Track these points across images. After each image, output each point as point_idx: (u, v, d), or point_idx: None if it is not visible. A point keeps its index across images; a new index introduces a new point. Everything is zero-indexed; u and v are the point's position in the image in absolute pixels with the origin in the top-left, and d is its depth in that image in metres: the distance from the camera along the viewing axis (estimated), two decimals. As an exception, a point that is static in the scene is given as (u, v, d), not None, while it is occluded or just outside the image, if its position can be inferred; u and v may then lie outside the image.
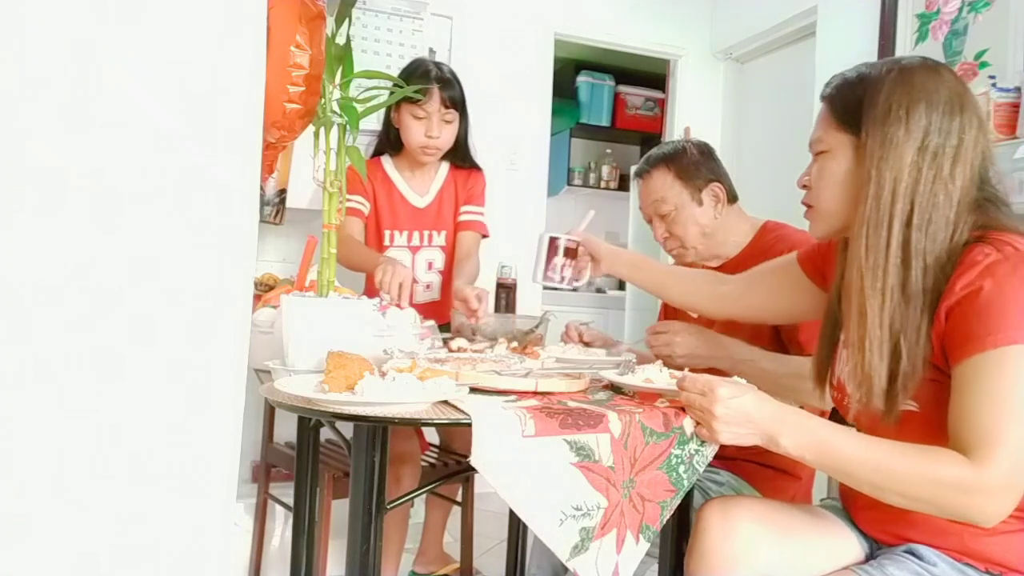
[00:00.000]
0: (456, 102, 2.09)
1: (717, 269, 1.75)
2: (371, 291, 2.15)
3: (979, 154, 1.04)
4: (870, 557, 1.15)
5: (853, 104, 1.08)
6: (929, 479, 0.95)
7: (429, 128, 2.07)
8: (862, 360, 1.04)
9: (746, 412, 1.03)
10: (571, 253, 1.63)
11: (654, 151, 1.79)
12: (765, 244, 1.69)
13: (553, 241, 1.64)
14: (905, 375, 1.02)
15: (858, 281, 1.04)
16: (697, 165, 1.72)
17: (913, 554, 1.07)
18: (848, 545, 1.16)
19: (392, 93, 1.74)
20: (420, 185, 2.20)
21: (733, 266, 1.72)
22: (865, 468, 0.99)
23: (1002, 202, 1.06)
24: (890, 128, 1.03)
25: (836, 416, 1.49)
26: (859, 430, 1.16)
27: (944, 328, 1.00)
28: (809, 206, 1.18)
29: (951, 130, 1.02)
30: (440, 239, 2.21)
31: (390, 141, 2.18)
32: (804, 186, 1.18)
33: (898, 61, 1.09)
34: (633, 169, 1.94)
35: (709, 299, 1.49)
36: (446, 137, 2.11)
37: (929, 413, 1.03)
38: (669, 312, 1.91)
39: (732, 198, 1.75)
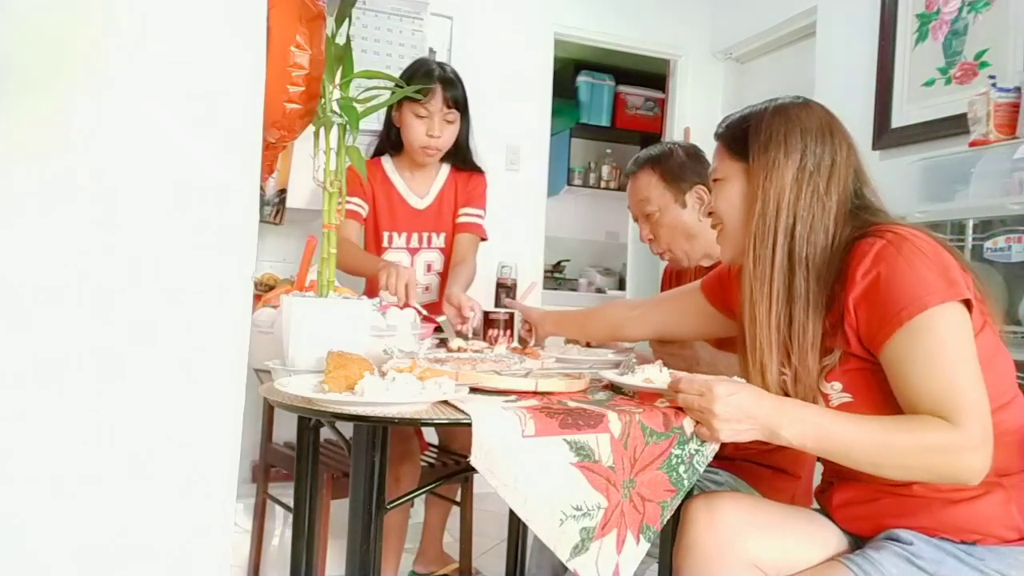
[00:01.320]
0: (458, 102, 2.09)
1: (709, 268, 1.76)
2: (371, 291, 2.15)
3: (851, 172, 1.19)
4: (855, 549, 1.17)
5: (740, 136, 1.23)
6: (922, 447, 1.02)
7: (431, 127, 2.07)
8: (755, 359, 1.17)
9: (745, 408, 1.06)
10: (507, 324, 1.78)
11: (642, 152, 1.84)
12: None
13: (487, 315, 1.80)
14: (796, 371, 1.15)
15: (747, 289, 1.18)
16: (683, 167, 1.76)
17: (893, 539, 1.10)
18: (833, 538, 1.18)
19: (393, 93, 1.74)
20: (420, 186, 2.20)
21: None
22: (864, 449, 1.05)
23: (876, 208, 1.19)
24: (771, 153, 1.18)
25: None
26: None
27: (856, 319, 1.08)
28: (718, 229, 1.29)
29: (824, 152, 1.17)
30: (439, 241, 2.21)
31: (391, 141, 2.18)
32: (710, 213, 1.32)
33: (775, 100, 1.24)
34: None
35: (622, 324, 1.63)
36: (447, 137, 2.10)
37: (864, 400, 1.11)
38: None
39: None
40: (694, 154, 1.80)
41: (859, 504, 1.17)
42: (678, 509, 1.13)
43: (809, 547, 1.15)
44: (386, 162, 2.20)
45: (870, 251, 1.07)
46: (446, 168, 2.22)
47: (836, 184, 1.16)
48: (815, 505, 1.31)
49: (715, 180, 1.28)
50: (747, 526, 1.12)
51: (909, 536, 1.09)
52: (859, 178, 1.20)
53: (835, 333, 1.12)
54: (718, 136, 1.29)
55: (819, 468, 1.70)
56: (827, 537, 1.18)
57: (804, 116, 1.19)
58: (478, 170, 2.25)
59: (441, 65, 2.14)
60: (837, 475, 1.21)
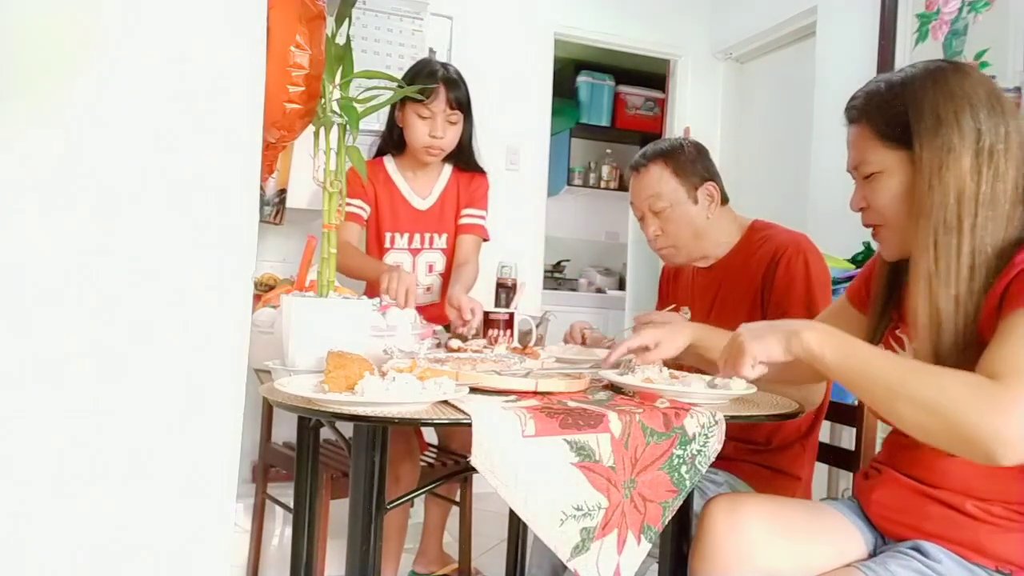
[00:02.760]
0: (461, 103, 2.10)
1: (706, 269, 1.75)
2: (371, 291, 2.15)
3: (1021, 141, 1.06)
4: (874, 554, 1.16)
5: (896, 120, 1.08)
6: (945, 385, 0.92)
7: (433, 128, 2.07)
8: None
9: (768, 324, 1.08)
10: (507, 324, 1.76)
11: (651, 146, 1.76)
12: (752, 244, 1.70)
13: (487, 315, 1.78)
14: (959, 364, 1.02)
15: (928, 294, 1.05)
16: (694, 163, 1.71)
17: (919, 551, 1.07)
18: (852, 541, 1.16)
19: (396, 93, 1.74)
20: (422, 187, 2.20)
21: (722, 266, 1.72)
22: (882, 370, 0.97)
23: None
24: (943, 137, 1.04)
25: (852, 417, 1.50)
26: (892, 426, 1.17)
27: (999, 301, 0.99)
28: (875, 226, 1.17)
29: (999, 125, 1.04)
30: (441, 242, 2.21)
31: (393, 141, 2.18)
32: (861, 209, 1.18)
33: (926, 68, 1.10)
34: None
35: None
36: (450, 138, 2.11)
37: None
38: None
39: (724, 199, 1.74)
40: (702, 150, 1.74)
41: (901, 508, 1.13)
42: (685, 509, 1.13)
43: (827, 552, 1.13)
44: (388, 162, 2.20)
45: None
46: (448, 169, 2.23)
47: (1012, 159, 1.05)
48: (843, 496, 1.29)
49: (868, 175, 1.13)
50: (769, 535, 1.10)
51: (939, 554, 1.05)
52: None
53: (985, 324, 1.02)
54: (861, 119, 1.14)
55: (816, 474, 1.70)
56: (847, 541, 1.16)
57: (968, 87, 1.06)
58: (480, 171, 2.25)
59: (444, 65, 2.14)
60: (890, 463, 1.18)
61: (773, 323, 1.07)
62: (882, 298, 1.23)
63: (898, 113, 1.08)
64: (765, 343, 1.05)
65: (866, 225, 1.18)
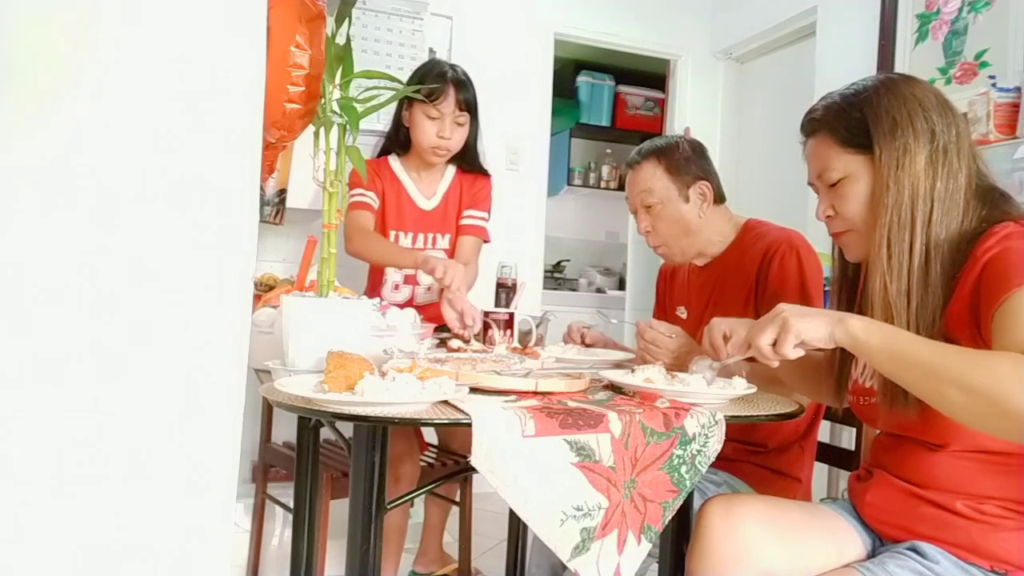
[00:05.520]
0: (470, 105, 2.11)
1: (702, 268, 1.76)
2: (371, 291, 2.16)
3: (970, 143, 1.13)
4: (872, 555, 1.16)
5: (856, 125, 1.14)
6: (994, 365, 0.90)
7: (441, 129, 2.07)
8: None
9: (811, 308, 1.08)
10: (507, 324, 1.76)
11: (647, 143, 1.79)
12: (746, 243, 1.71)
13: (487, 315, 1.77)
14: None
15: (882, 290, 1.09)
16: (688, 161, 1.72)
17: (916, 551, 1.07)
18: (850, 543, 1.17)
19: (399, 93, 1.74)
20: (427, 187, 2.21)
21: (718, 264, 1.73)
22: (929, 354, 0.96)
23: (1004, 192, 1.12)
24: (900, 139, 1.10)
25: (852, 417, 1.50)
26: (878, 429, 1.21)
27: (971, 297, 1.02)
28: (841, 233, 1.20)
29: (949, 126, 1.11)
30: (444, 242, 2.21)
31: (399, 140, 2.19)
32: (828, 217, 1.21)
33: (878, 79, 1.17)
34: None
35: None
36: (457, 139, 2.11)
37: None
38: (659, 314, 1.92)
39: (719, 199, 1.75)
40: (699, 148, 1.76)
41: (894, 510, 1.14)
42: (685, 509, 1.13)
43: (825, 553, 1.13)
44: (393, 161, 2.21)
45: (999, 232, 1.02)
46: (452, 169, 2.23)
47: (964, 157, 1.10)
48: (837, 498, 1.29)
49: (834, 183, 1.17)
50: (766, 535, 1.11)
51: (936, 554, 1.06)
52: (973, 149, 1.13)
53: (954, 320, 1.05)
54: (821, 129, 1.19)
55: (816, 474, 1.70)
56: (845, 542, 1.16)
57: (919, 92, 1.12)
58: (484, 172, 2.25)
59: (453, 67, 2.14)
60: (879, 465, 1.19)
61: (816, 309, 1.09)
62: (844, 304, 1.28)
63: (857, 119, 1.14)
64: (811, 323, 1.03)
65: (833, 233, 1.22)
